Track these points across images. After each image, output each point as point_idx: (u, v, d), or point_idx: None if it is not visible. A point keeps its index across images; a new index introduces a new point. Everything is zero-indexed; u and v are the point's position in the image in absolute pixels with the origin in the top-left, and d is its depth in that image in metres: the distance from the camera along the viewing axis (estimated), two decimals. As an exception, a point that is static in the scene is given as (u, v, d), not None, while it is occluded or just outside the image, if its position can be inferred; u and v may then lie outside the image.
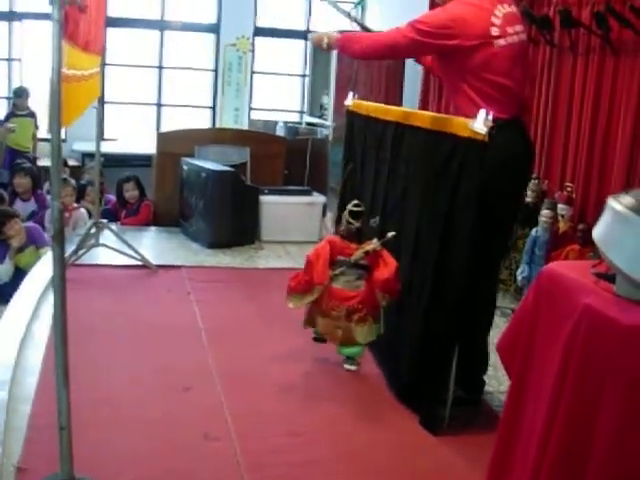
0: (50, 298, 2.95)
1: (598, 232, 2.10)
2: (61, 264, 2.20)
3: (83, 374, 3.42)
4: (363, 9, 10.26)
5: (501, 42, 3.30)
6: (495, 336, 4.49)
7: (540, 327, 2.27)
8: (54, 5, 2.06)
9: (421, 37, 3.32)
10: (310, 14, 10.88)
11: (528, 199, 5.47)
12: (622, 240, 1.99)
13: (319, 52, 8.70)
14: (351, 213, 3.72)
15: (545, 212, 5.12)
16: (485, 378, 3.82)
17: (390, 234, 3.62)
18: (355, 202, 3.77)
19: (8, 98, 9.54)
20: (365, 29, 4.12)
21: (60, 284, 2.23)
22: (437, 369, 3.39)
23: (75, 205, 6.79)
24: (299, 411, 3.47)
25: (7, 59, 9.82)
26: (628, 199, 1.99)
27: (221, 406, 3.39)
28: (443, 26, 3.29)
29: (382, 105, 4.17)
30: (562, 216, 5.16)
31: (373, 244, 3.64)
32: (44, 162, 8.24)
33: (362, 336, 3.72)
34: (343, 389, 3.72)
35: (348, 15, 4.27)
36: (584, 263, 2.35)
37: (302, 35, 10.20)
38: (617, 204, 2.01)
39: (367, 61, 3.88)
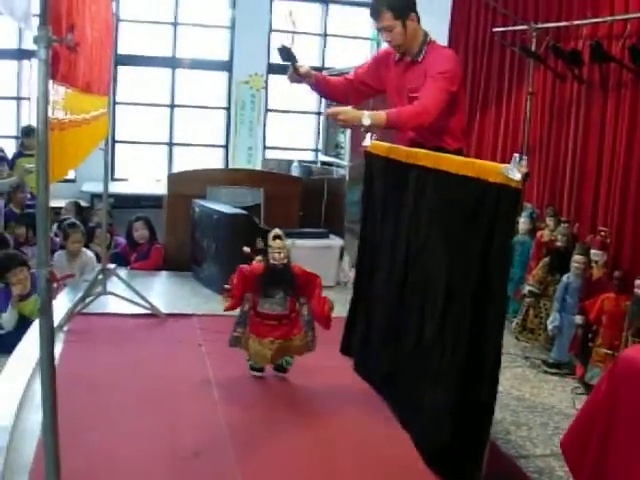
0: (56, 348, 2.69)
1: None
2: (49, 342, 1.89)
3: (84, 437, 3.21)
4: (378, 45, 10.10)
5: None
6: (528, 390, 4.27)
7: (620, 423, 1.92)
8: (39, 43, 1.76)
9: (456, 87, 3.83)
10: (325, 50, 10.72)
11: (559, 243, 5.20)
12: None
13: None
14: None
15: (577, 257, 4.84)
16: (519, 440, 3.60)
17: (289, 241, 4.20)
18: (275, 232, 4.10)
19: (17, 137, 9.41)
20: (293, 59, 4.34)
21: (49, 364, 1.92)
22: (477, 431, 3.06)
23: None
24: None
25: (16, 98, 9.71)
26: None
27: (234, 477, 3.09)
28: (459, 73, 3.95)
29: (403, 147, 3.91)
30: (595, 262, 4.86)
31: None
32: (52, 203, 8.03)
33: None
34: (370, 455, 3.38)
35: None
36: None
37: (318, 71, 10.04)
38: None
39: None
